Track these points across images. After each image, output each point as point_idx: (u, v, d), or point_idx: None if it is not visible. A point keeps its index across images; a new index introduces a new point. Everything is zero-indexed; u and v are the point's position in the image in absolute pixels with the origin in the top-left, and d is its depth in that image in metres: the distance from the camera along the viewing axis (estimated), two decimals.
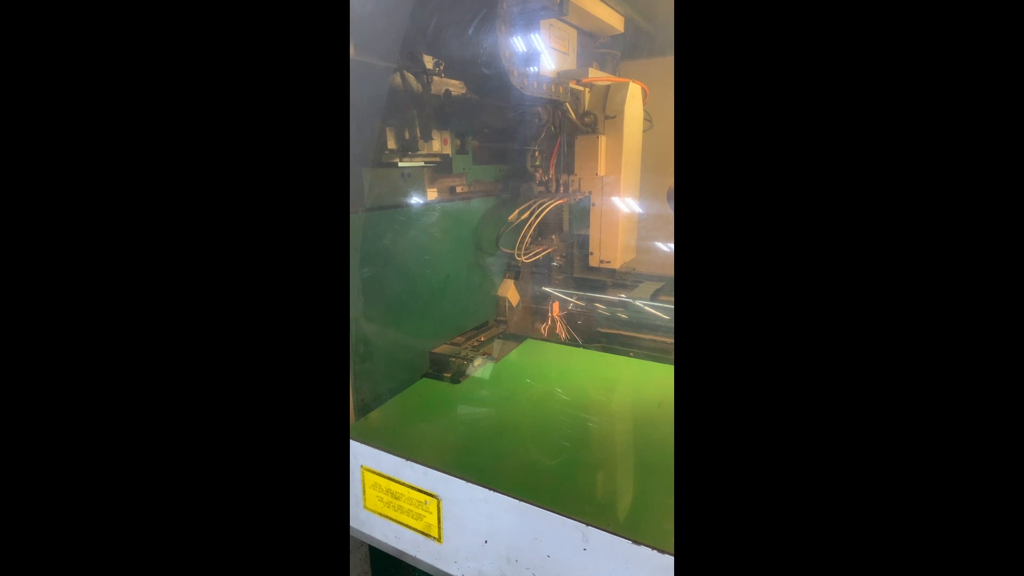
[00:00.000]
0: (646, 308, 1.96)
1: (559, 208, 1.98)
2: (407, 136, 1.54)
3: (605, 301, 2.07)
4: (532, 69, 1.74)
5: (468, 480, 0.94)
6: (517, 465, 1.06)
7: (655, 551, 0.78)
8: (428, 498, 0.97)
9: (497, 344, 1.97)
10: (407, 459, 1.00)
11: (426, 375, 1.74)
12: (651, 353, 1.85)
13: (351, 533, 1.12)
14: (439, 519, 0.97)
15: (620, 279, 2.15)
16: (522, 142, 2.00)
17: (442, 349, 1.85)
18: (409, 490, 0.99)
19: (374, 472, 1.03)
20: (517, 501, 0.89)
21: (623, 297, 2.05)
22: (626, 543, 0.80)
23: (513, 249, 1.88)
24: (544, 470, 1.05)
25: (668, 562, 0.77)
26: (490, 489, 0.92)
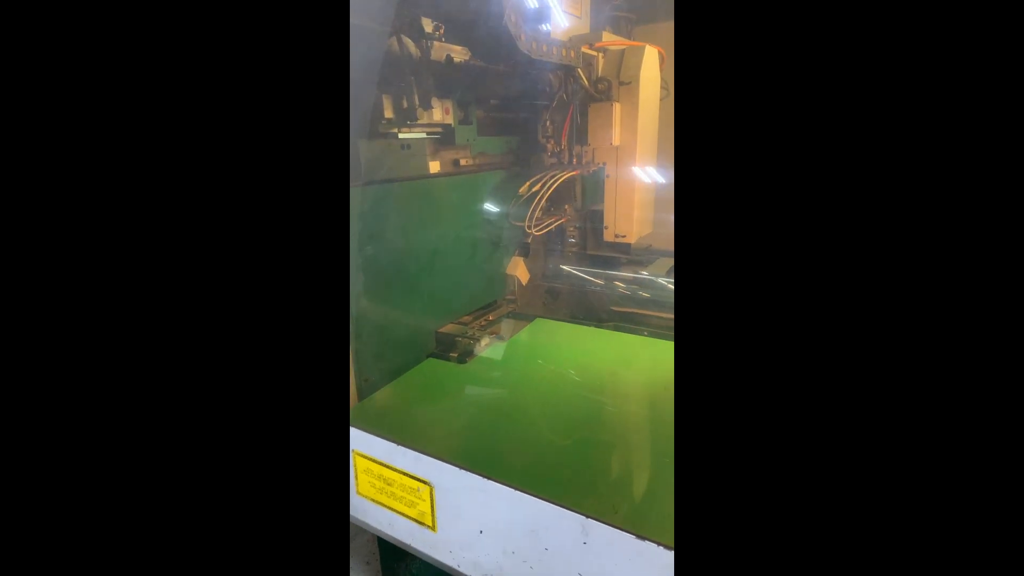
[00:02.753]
0: (662, 284, 1.87)
1: (570, 180, 1.88)
2: (405, 105, 1.46)
3: (618, 278, 1.98)
4: (544, 27, 1.64)
5: (461, 467, 0.88)
6: (516, 452, 0.99)
7: (661, 547, 0.72)
8: (421, 485, 0.92)
9: (506, 323, 1.90)
10: (399, 444, 0.95)
11: (432, 355, 1.68)
12: (665, 332, 1.76)
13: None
14: (432, 507, 0.92)
15: (635, 255, 2.06)
16: (531, 111, 1.90)
17: (448, 328, 1.79)
18: (401, 476, 0.94)
19: (366, 457, 0.98)
20: (513, 491, 0.82)
21: (642, 274, 1.96)
22: (630, 538, 0.74)
23: (523, 222, 1.80)
24: (545, 458, 0.98)
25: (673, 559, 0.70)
26: (484, 477, 0.86)
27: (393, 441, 0.95)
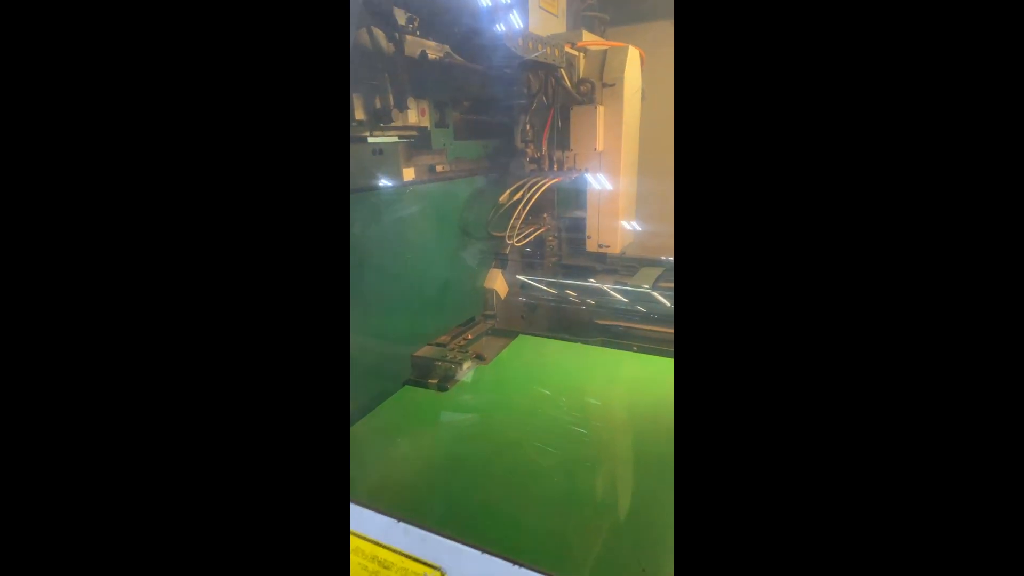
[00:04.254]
0: (652, 295, 1.74)
1: (551, 187, 1.72)
2: (378, 105, 1.26)
3: (604, 291, 1.84)
4: (523, 23, 1.48)
5: (482, 549, 0.70)
6: (541, 522, 0.82)
7: None
8: (429, 570, 0.73)
9: (486, 342, 1.72)
10: (399, 519, 0.75)
11: (408, 382, 1.48)
12: (653, 346, 1.63)
13: None
14: None
15: (611, 264, 1.92)
16: (511, 113, 1.73)
17: (425, 352, 1.59)
18: (403, 559, 0.75)
19: (356, 535, 0.78)
20: None
21: (620, 286, 1.83)
22: None
23: (503, 232, 1.61)
24: (580, 528, 0.81)
25: None
26: (514, 563, 0.68)
27: (390, 515, 0.76)
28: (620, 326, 1.77)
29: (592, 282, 1.87)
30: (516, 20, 1.53)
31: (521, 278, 1.91)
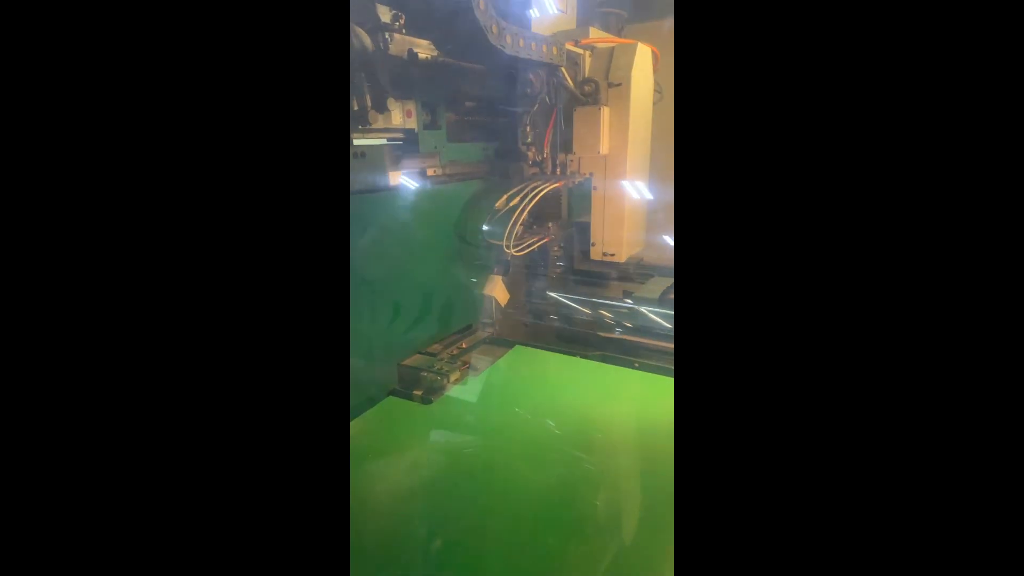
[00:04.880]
0: (656, 309, 1.62)
1: (554, 192, 1.62)
2: (355, 106, 1.20)
3: (607, 305, 1.72)
4: (523, 18, 1.39)
5: None
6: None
7: None
8: None
9: (481, 353, 1.64)
10: None
11: (393, 392, 1.43)
12: (656, 363, 1.51)
13: None
14: None
15: (624, 272, 1.80)
16: (510, 115, 1.64)
17: (413, 360, 1.53)
18: None
19: None
20: None
21: (630, 302, 1.71)
22: None
23: (501, 241, 1.53)
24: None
25: None
26: None
27: None
28: (623, 340, 1.66)
29: (608, 298, 1.75)
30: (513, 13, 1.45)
31: (550, 294, 1.82)
